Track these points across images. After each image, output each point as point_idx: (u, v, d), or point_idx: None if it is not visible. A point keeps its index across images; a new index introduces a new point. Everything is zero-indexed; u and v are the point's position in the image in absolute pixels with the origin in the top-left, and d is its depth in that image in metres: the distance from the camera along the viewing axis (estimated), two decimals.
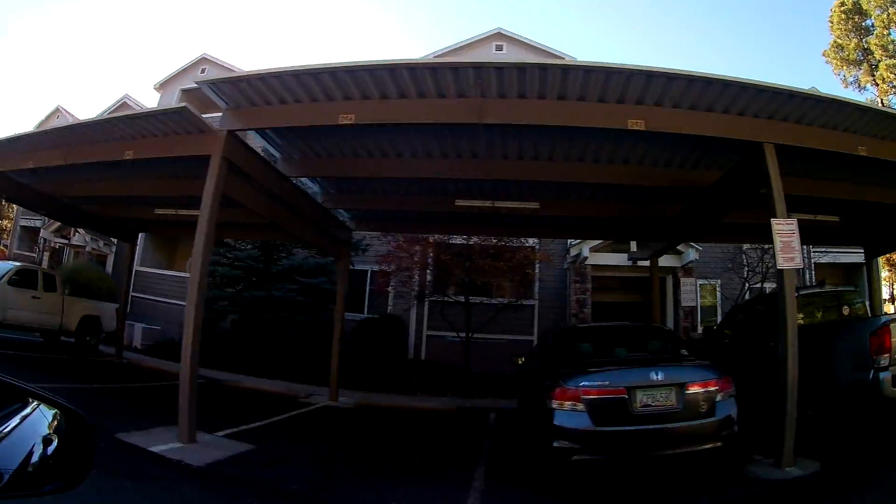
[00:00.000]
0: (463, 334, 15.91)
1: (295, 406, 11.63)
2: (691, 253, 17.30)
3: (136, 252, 20.51)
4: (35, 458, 1.41)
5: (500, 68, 6.84)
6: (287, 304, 16.08)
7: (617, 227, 13.30)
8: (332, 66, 7.07)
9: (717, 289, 18.73)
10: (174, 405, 7.26)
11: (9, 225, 33.26)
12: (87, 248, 22.36)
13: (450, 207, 11.51)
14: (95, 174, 11.25)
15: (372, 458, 7.71)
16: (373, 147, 9.50)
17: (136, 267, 20.83)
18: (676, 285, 17.96)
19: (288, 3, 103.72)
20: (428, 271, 17.40)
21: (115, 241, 22.28)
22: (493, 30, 20.93)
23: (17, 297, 13.69)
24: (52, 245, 25.02)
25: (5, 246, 32.15)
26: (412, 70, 6.97)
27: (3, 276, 13.61)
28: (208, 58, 24.29)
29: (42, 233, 24.54)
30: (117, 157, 9.04)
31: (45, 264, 22.85)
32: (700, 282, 18.64)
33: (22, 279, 14.05)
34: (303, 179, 11.48)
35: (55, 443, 1.50)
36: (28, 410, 1.49)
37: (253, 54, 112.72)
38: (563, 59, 17.67)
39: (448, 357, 16.47)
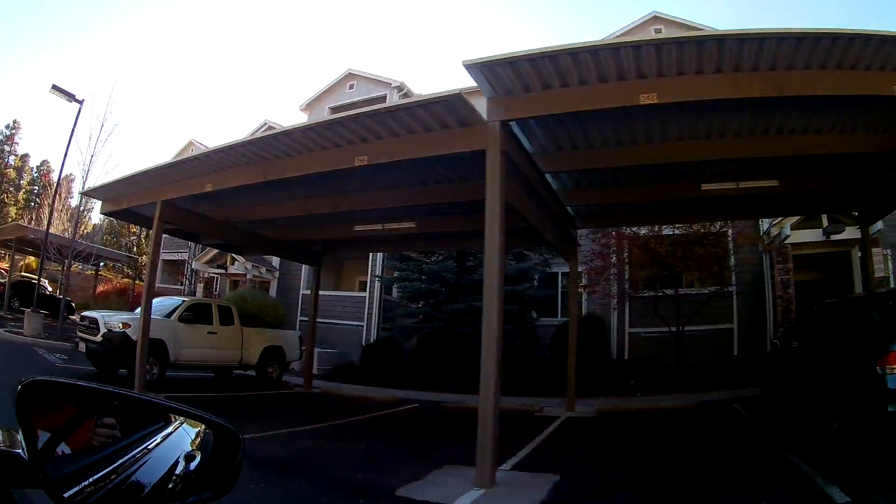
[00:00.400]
0: (673, 328, 15.09)
1: (537, 421, 10.93)
2: (878, 223, 15.98)
3: (305, 275, 20.98)
4: (178, 472, 1.42)
5: (800, 38, 6.12)
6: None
7: (836, 198, 12.32)
8: (635, 41, 6.58)
9: None
10: (421, 440, 6.59)
11: (145, 259, 34.00)
12: (249, 276, 22.25)
13: (694, 193, 10.69)
14: (288, 192, 10.93)
15: (705, 469, 6.92)
16: (623, 133, 8.80)
17: (302, 290, 21.14)
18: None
19: (422, 9, 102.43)
20: (627, 266, 16.55)
21: (276, 266, 22.49)
22: (649, 14, 20.03)
23: (192, 335, 13.39)
24: (204, 276, 25.29)
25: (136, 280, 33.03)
26: (720, 41, 6.27)
27: (173, 313, 13.34)
28: (355, 72, 23.92)
29: (193, 264, 24.89)
30: (345, 165, 8.26)
31: (199, 295, 23.20)
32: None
33: (195, 314, 13.73)
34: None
35: (198, 458, 1.50)
36: (170, 429, 1.52)
37: (398, 64, 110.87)
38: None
39: (651, 353, 15.84)
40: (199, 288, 25.56)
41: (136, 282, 30.40)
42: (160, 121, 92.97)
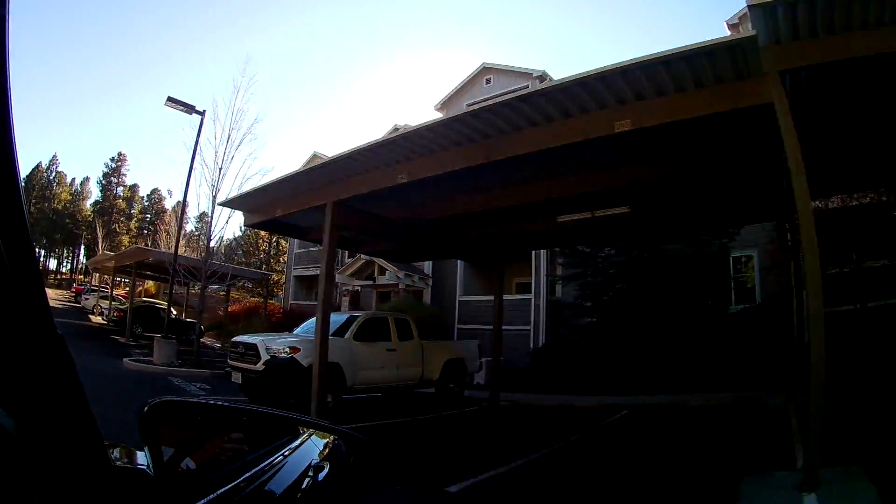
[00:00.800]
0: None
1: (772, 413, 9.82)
2: None
3: (460, 280, 19.93)
4: (305, 485, 1.46)
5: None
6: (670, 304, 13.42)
7: None
8: None
9: None
10: (684, 451, 6.34)
11: (277, 278, 33.09)
12: (401, 286, 20.62)
13: None
14: (493, 178, 9.26)
15: None
16: None
17: (458, 297, 19.86)
18: None
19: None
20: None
21: (429, 273, 21.21)
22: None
23: (370, 354, 11.44)
24: (350, 289, 23.85)
25: (268, 299, 31.94)
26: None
27: (345, 330, 11.24)
28: (490, 66, 22.77)
29: (337, 277, 23.29)
30: (601, 133, 6.62)
31: (344, 309, 21.60)
32: None
33: (371, 331, 11.76)
34: None
35: (326, 469, 1.56)
36: (298, 442, 1.63)
37: (534, 54, 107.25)
38: None
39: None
40: (345, 302, 24.00)
41: (269, 300, 29.48)
42: (282, 135, 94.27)
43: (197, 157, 16.62)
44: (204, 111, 16.88)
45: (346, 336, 11.03)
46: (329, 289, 9.78)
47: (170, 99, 16.51)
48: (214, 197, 16.45)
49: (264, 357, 10.22)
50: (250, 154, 17.91)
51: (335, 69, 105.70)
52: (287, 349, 10.20)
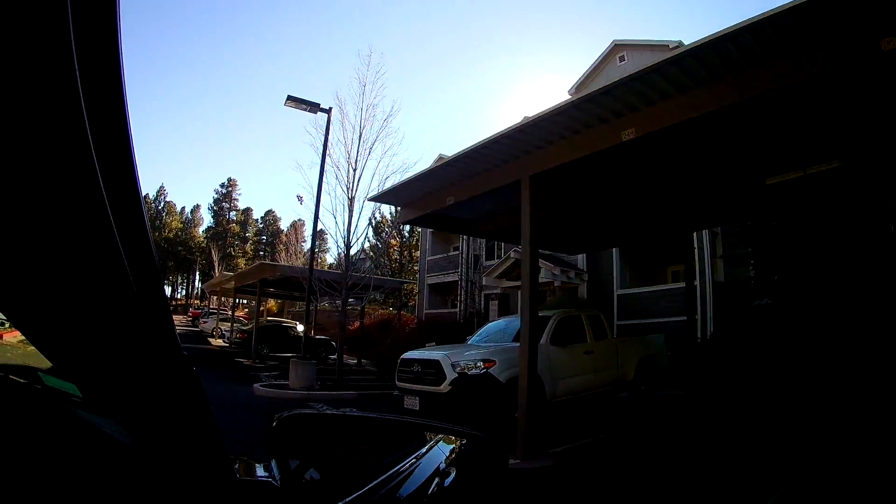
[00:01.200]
0: None
1: None
2: None
3: (617, 274, 18.34)
4: (432, 490, 1.43)
5: None
6: None
7: None
8: None
9: None
10: None
11: (410, 287, 31.89)
12: (557, 283, 19.09)
13: None
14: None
15: None
16: None
17: (616, 291, 18.26)
18: None
19: None
20: None
21: (584, 269, 19.53)
22: None
23: (569, 360, 9.62)
24: (498, 292, 22.29)
25: (391, 308, 30.48)
26: None
27: (542, 334, 9.25)
28: (622, 42, 21.67)
29: (484, 280, 22.22)
30: None
31: (495, 316, 20.24)
32: None
33: (566, 332, 9.93)
34: None
35: (452, 475, 1.52)
36: (424, 448, 1.60)
37: (665, 25, 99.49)
38: None
39: None
40: (493, 306, 22.45)
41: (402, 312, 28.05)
42: (410, 132, 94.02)
43: (327, 159, 15.12)
44: (330, 108, 15.40)
45: (542, 340, 9.05)
46: (534, 281, 7.84)
47: (290, 98, 15.13)
48: (351, 200, 14.94)
49: (450, 375, 8.47)
50: (386, 151, 16.20)
51: (455, 65, 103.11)
52: (480, 363, 8.33)
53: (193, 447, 0.80)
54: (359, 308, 19.89)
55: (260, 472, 1.23)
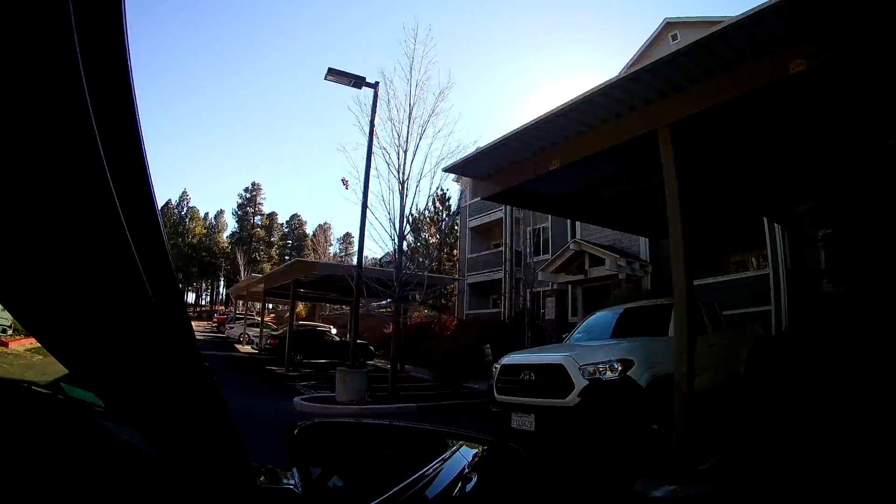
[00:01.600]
0: None
1: None
2: None
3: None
4: (454, 494, 1.44)
5: None
6: None
7: None
8: None
9: None
10: None
11: (451, 288, 30.57)
12: (622, 276, 17.75)
13: None
14: None
15: None
16: None
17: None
18: None
19: None
20: None
21: (648, 260, 18.16)
22: None
23: (697, 355, 7.56)
24: (555, 288, 20.67)
25: (426, 310, 28.93)
26: None
27: (669, 326, 7.51)
28: (673, 20, 21.26)
29: (539, 275, 20.27)
30: None
31: (551, 314, 18.87)
32: None
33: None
34: None
35: (474, 480, 1.52)
36: (447, 454, 1.60)
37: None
38: None
39: None
40: (549, 304, 20.66)
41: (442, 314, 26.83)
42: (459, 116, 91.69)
43: (374, 141, 13.45)
44: (377, 83, 13.71)
45: (671, 334, 7.24)
46: (689, 259, 6.56)
47: (331, 71, 13.40)
48: (403, 184, 13.23)
49: (579, 383, 6.63)
50: (439, 131, 14.46)
51: (497, 52, 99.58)
52: (616, 364, 6.56)
53: (216, 455, 0.80)
54: (408, 308, 17.87)
55: (288, 480, 1.17)
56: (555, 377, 6.88)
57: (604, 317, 9.45)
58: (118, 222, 0.56)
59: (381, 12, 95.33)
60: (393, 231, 13.46)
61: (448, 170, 10.03)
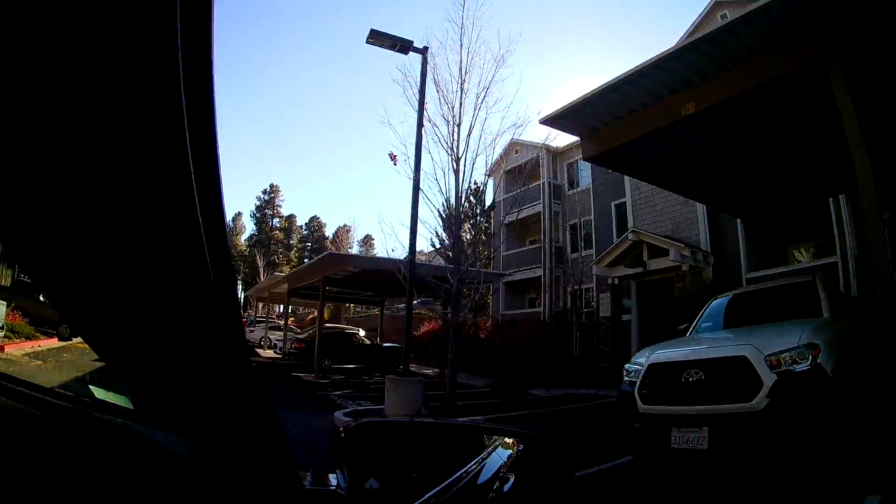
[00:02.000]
0: None
1: None
2: None
3: (743, 255, 16.06)
4: (492, 493, 1.41)
5: None
6: None
7: None
8: None
9: None
10: None
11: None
12: (685, 267, 16.82)
13: None
14: None
15: None
16: None
17: (745, 274, 15.73)
18: None
19: None
20: None
21: (709, 250, 17.16)
22: None
23: None
24: (610, 282, 19.40)
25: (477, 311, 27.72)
26: None
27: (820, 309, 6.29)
28: None
29: (595, 269, 19.46)
30: None
31: (606, 311, 18.01)
32: None
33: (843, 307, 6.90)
34: None
35: (511, 480, 1.48)
36: (484, 453, 1.54)
37: None
38: None
39: None
40: (604, 300, 19.29)
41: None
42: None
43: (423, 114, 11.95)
44: (425, 48, 12.24)
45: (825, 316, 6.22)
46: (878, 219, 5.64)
47: (373, 34, 11.86)
48: (458, 161, 11.63)
49: (767, 379, 5.08)
50: (496, 103, 13.03)
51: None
52: (805, 350, 5.11)
53: (260, 457, 0.79)
54: (466, 306, 16.06)
55: (332, 481, 1.17)
56: (734, 375, 5.34)
57: (722, 304, 8.00)
58: (193, 211, 0.56)
59: None
60: (438, 220, 12.01)
61: (546, 121, 8.39)
